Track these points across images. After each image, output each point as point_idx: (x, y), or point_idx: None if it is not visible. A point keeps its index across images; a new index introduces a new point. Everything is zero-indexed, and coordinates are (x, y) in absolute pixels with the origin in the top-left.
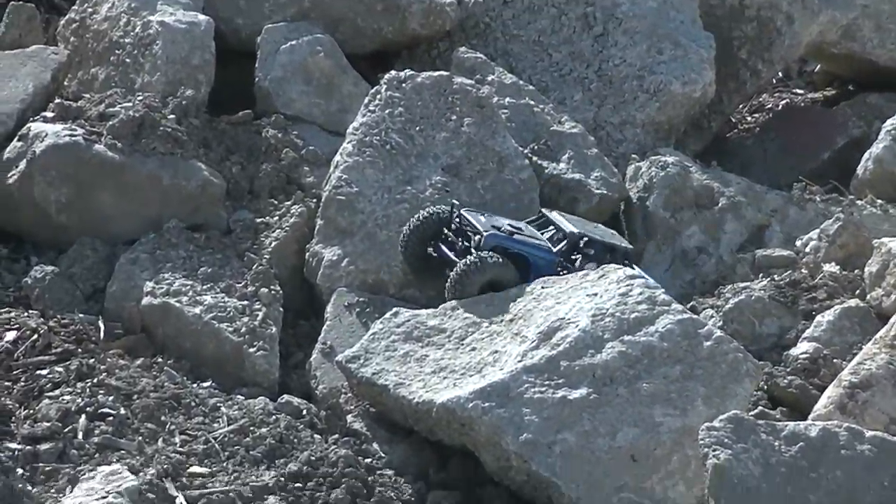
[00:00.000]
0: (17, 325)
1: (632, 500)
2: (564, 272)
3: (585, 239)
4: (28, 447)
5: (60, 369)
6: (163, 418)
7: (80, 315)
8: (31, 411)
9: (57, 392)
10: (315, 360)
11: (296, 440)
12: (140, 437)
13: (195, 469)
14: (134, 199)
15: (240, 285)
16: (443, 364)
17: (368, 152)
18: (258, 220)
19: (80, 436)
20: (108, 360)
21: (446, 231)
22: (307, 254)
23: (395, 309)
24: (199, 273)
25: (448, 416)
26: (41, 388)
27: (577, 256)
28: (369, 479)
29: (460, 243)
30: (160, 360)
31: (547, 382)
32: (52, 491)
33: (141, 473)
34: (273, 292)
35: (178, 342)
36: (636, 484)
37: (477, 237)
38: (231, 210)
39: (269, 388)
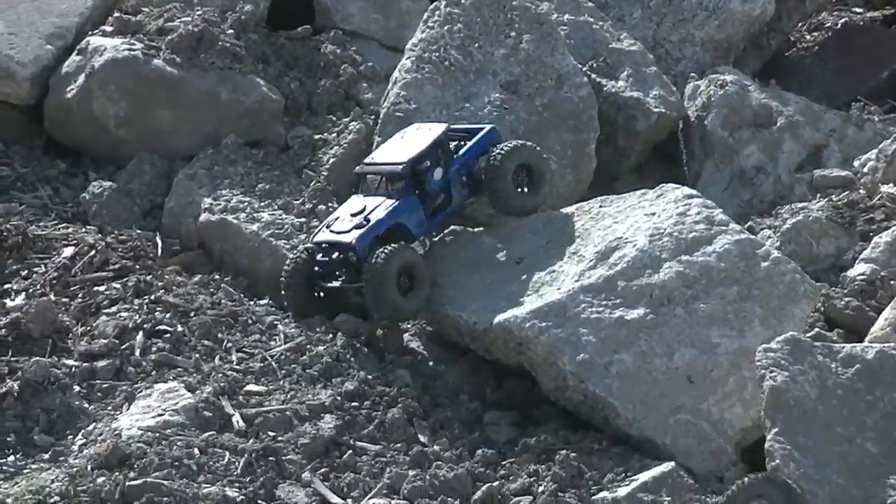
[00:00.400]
0: (74, 241)
1: (688, 422)
2: (426, 198)
3: (416, 163)
4: (85, 364)
5: (118, 286)
6: (220, 336)
7: (138, 231)
8: (88, 328)
9: (114, 309)
10: None
11: (352, 359)
12: (197, 355)
13: (252, 387)
14: (192, 115)
15: (297, 202)
16: (500, 283)
17: (427, 69)
18: (316, 137)
19: (137, 353)
20: (166, 276)
21: (318, 261)
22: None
23: (452, 227)
24: (256, 189)
25: (505, 336)
26: (98, 305)
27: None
28: (426, 398)
29: (336, 260)
30: (217, 276)
31: (604, 302)
32: (109, 408)
33: (198, 391)
34: (331, 209)
35: (235, 259)
36: (693, 405)
37: (350, 253)
38: (289, 126)
39: None
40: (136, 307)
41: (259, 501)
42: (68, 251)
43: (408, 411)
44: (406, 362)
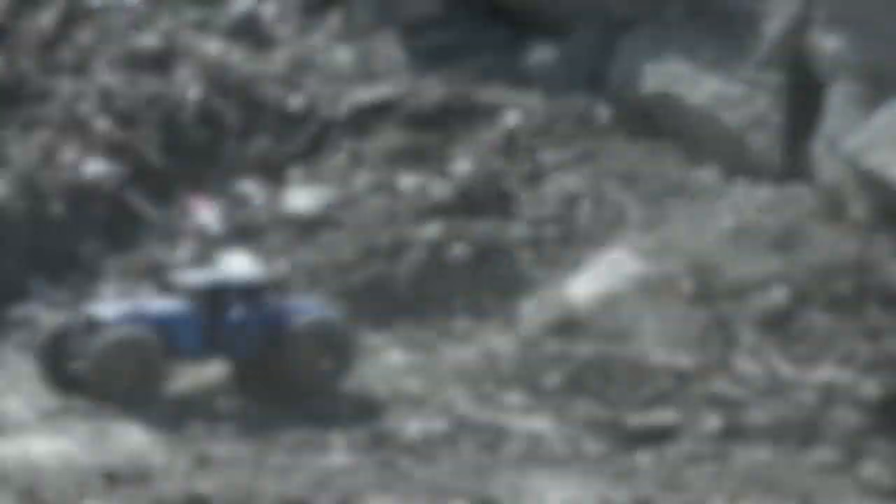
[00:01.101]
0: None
1: None
2: (212, 325)
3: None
4: (531, 230)
5: (563, 152)
6: (666, 204)
7: (582, 99)
8: (534, 194)
9: (559, 175)
10: (818, 151)
11: (800, 230)
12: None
13: (705, 259)
14: None
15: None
16: None
17: None
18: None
19: (583, 220)
20: (612, 144)
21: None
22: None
23: None
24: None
25: None
26: (544, 171)
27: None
28: (873, 272)
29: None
30: (663, 145)
31: None
32: (557, 274)
33: (646, 260)
34: (777, 80)
35: (680, 128)
36: None
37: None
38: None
39: (772, 176)
40: (582, 175)
41: (711, 370)
42: (512, 117)
43: (858, 288)
44: (854, 234)
